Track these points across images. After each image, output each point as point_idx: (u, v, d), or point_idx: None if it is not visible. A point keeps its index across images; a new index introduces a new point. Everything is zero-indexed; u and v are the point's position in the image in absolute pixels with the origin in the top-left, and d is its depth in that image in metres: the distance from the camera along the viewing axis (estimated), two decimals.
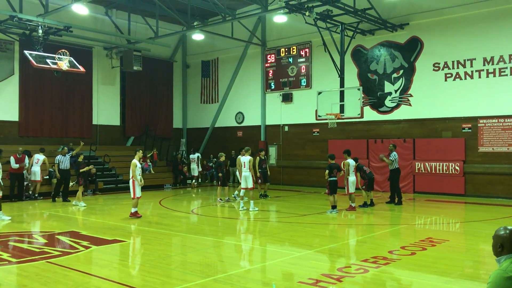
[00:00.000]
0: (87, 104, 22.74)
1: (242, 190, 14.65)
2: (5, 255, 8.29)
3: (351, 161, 14.14)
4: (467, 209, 15.17)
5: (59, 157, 16.69)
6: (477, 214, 13.87)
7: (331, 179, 13.45)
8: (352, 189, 14.00)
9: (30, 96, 20.73)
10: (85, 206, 15.06)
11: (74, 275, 6.98)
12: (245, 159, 14.50)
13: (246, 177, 14.36)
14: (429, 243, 9.18)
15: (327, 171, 13.50)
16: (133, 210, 12.53)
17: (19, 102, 20.47)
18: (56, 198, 16.62)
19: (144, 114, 24.99)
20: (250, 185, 14.30)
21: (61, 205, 15.64)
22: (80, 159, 16.10)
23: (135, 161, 12.50)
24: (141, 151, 13.30)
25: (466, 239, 10.46)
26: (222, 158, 16.60)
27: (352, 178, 14.06)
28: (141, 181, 12.46)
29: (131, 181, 12.47)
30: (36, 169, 17.13)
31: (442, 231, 11.27)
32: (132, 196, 12.46)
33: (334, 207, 13.44)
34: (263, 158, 17.29)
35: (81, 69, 18.26)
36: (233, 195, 17.07)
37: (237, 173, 16.44)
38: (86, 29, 20.68)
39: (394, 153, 15.33)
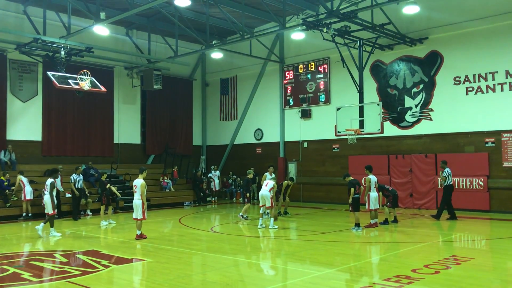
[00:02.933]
0: (108, 123, 23.05)
1: (261, 208, 14.55)
2: (26, 275, 8.35)
3: (372, 177, 13.96)
4: (492, 226, 14.79)
5: (74, 176, 16.94)
6: (503, 231, 13.49)
7: (355, 196, 13.28)
8: (373, 206, 13.80)
9: (52, 116, 21.12)
10: (107, 224, 15.13)
11: None
12: (269, 181, 14.52)
13: (265, 196, 14.29)
14: (454, 262, 8.94)
15: (352, 189, 13.30)
16: (138, 232, 12.25)
17: (42, 122, 20.86)
18: (78, 216, 16.79)
19: (164, 132, 25.20)
20: (268, 203, 14.21)
21: (82, 224, 15.77)
22: (104, 178, 16.27)
23: (143, 181, 12.26)
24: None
25: (493, 257, 10.15)
26: (250, 175, 16.55)
27: (373, 194, 13.87)
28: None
29: (140, 201, 12.07)
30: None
31: (467, 249, 10.99)
32: (142, 217, 12.12)
33: (358, 224, 13.25)
34: (289, 184, 17.23)
35: (102, 88, 18.58)
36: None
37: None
38: (107, 49, 21.12)
39: (448, 169, 15.33)
